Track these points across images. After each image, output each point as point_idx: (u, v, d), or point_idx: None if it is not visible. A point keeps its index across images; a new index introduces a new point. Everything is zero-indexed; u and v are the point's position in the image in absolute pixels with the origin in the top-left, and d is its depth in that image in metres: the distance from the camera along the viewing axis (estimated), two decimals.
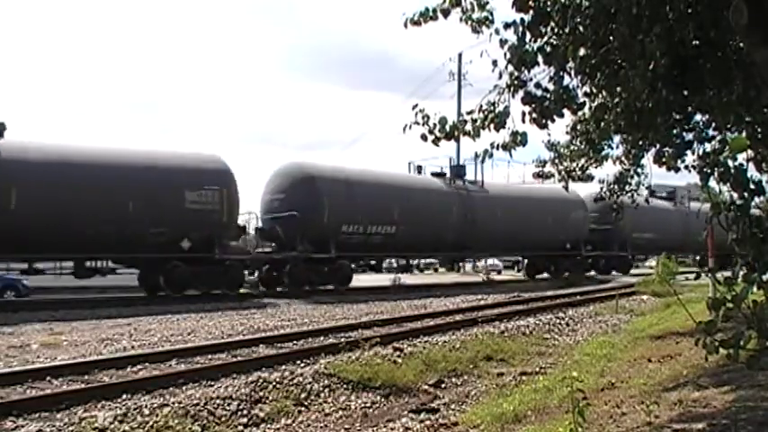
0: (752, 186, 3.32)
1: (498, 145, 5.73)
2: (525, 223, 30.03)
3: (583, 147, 8.82)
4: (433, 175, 28.77)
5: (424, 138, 5.65)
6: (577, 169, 10.64)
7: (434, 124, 5.57)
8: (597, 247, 34.56)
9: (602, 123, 6.42)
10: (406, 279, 31.76)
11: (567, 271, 32.83)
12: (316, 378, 8.81)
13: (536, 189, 32.74)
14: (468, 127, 5.56)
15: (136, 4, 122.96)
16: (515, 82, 5.56)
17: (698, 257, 39.90)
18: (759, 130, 5.42)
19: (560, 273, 32.82)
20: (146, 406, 7.13)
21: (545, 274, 34.15)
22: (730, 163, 3.39)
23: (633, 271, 38.10)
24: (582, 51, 5.23)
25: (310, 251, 22.78)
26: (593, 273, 34.99)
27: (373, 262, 30.53)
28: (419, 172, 28.90)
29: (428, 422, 7.47)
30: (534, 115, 5.65)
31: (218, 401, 7.56)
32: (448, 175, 28.73)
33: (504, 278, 37.01)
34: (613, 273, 36.14)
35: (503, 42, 5.49)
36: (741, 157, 3.85)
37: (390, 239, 25.41)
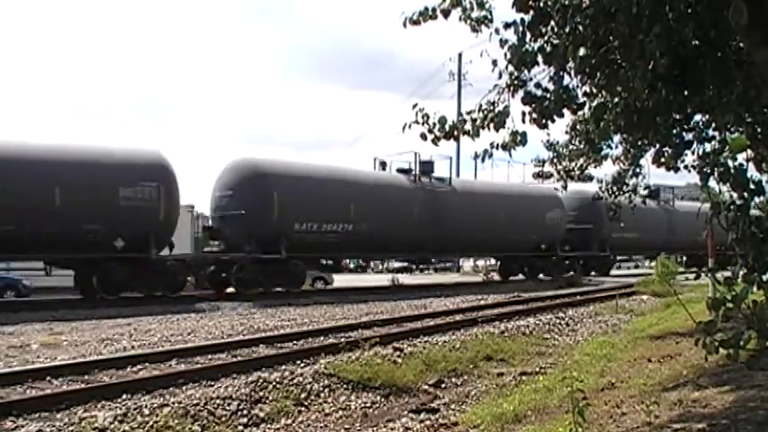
0: (752, 186, 3.32)
1: (498, 145, 5.74)
2: (497, 223, 28.32)
3: (582, 147, 8.82)
4: (399, 171, 27.04)
5: (423, 137, 5.66)
6: (576, 169, 10.64)
7: (434, 124, 5.58)
8: (576, 247, 32.81)
9: (602, 123, 6.42)
10: (404, 279, 31.85)
11: (542, 272, 31.22)
12: (316, 378, 8.80)
13: (509, 187, 32.95)
14: (468, 126, 5.56)
15: (136, 4, 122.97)
16: (515, 82, 5.57)
17: (684, 258, 39.17)
18: (759, 130, 5.42)
19: (535, 274, 31.06)
20: (146, 406, 7.13)
21: (520, 276, 31.91)
22: (730, 163, 3.39)
23: (615, 272, 37.49)
24: (582, 51, 5.23)
25: (259, 251, 21.29)
26: (571, 273, 32.62)
27: (330, 262, 28.10)
28: (383, 168, 27.18)
29: (428, 422, 7.47)
30: (534, 115, 5.66)
31: (218, 401, 7.56)
32: (415, 171, 26.75)
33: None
34: (593, 274, 34.45)
35: (503, 42, 5.50)
36: (741, 157, 3.86)
37: (347, 238, 23.61)
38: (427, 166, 27.35)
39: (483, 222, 27.82)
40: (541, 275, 31.01)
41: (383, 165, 27.24)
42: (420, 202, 26.01)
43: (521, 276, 31.69)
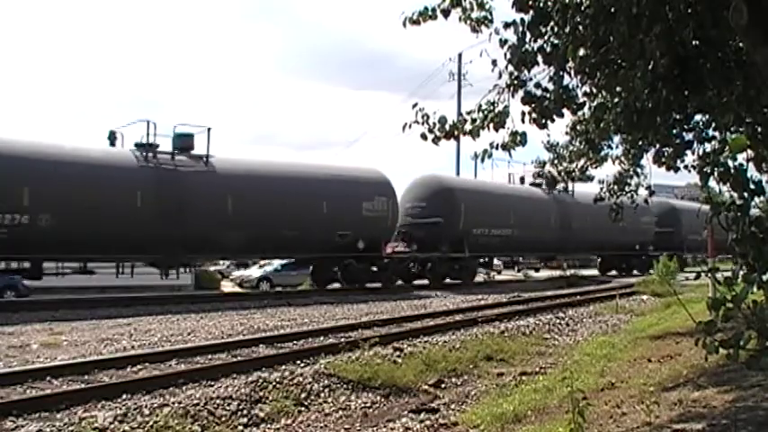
0: (752, 186, 3.32)
1: (498, 145, 5.74)
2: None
3: (582, 147, 8.82)
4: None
5: (423, 137, 5.66)
6: (576, 170, 10.64)
7: (434, 123, 5.58)
8: (426, 248, 26.24)
9: (602, 123, 6.42)
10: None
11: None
12: (316, 378, 8.80)
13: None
14: (468, 126, 5.57)
15: (136, 4, 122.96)
16: (515, 82, 5.57)
17: (577, 262, 37.53)
18: (759, 130, 5.42)
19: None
20: (146, 406, 7.13)
21: None
22: (730, 163, 3.39)
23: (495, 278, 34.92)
24: (582, 51, 5.23)
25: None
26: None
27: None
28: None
29: (428, 422, 7.47)
30: (534, 115, 5.66)
31: (218, 401, 7.56)
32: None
33: (503, 278, 37.00)
34: (447, 281, 27.12)
35: (503, 42, 5.50)
36: (741, 157, 3.86)
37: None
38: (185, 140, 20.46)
39: (251, 214, 20.88)
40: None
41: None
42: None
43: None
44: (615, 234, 30.79)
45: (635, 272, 35.21)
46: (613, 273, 37.02)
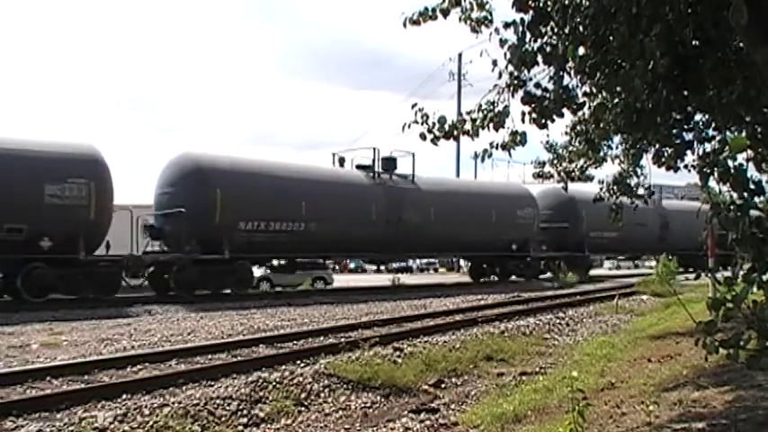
0: (752, 186, 3.32)
1: (498, 144, 5.74)
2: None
3: (582, 147, 8.82)
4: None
5: (423, 137, 5.66)
6: (576, 170, 10.64)
7: (433, 123, 5.58)
8: (172, 245, 21.66)
9: (602, 123, 6.42)
10: (405, 279, 31.81)
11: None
12: (316, 378, 8.80)
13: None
14: (468, 126, 5.56)
15: (136, 4, 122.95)
16: (515, 82, 5.57)
17: (469, 263, 34.80)
18: (759, 130, 5.41)
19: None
20: (146, 406, 7.13)
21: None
22: (730, 163, 3.39)
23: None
24: (582, 51, 5.22)
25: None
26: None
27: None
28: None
29: (428, 422, 7.47)
30: (534, 115, 5.66)
31: (218, 401, 7.56)
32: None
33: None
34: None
35: (502, 42, 5.49)
36: (741, 157, 3.85)
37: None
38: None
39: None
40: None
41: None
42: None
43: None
44: (477, 231, 28.10)
45: (514, 278, 30.27)
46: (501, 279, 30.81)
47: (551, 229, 32.28)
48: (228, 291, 21.16)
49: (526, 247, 30.37)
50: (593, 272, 37.34)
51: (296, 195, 22.35)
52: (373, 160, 25.95)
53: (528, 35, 5.32)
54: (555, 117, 5.71)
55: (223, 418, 7.26)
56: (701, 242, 35.11)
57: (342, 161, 26.36)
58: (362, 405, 8.25)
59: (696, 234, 32.64)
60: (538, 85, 5.65)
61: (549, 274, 31.28)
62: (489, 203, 29.10)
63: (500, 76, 5.58)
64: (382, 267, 47.49)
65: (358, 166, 26.08)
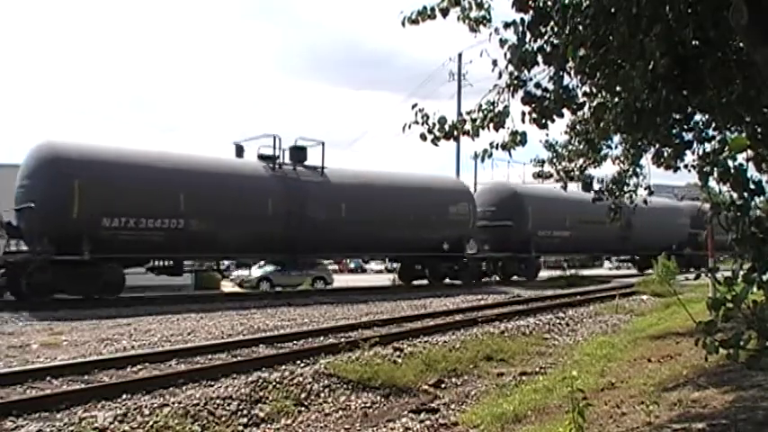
0: (752, 186, 3.32)
1: (498, 144, 5.74)
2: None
3: (582, 147, 8.81)
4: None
5: (423, 137, 5.65)
6: (576, 169, 10.63)
7: (434, 124, 5.58)
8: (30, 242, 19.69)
9: (602, 123, 6.41)
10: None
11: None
12: (316, 378, 8.80)
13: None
14: (468, 126, 5.56)
15: (136, 4, 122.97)
16: (515, 82, 5.56)
17: (399, 264, 30.28)
18: (759, 130, 5.41)
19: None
20: (146, 406, 7.13)
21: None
22: (730, 163, 3.39)
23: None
24: (582, 51, 5.22)
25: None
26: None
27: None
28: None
29: (428, 422, 7.47)
30: (534, 115, 5.66)
31: (218, 401, 7.56)
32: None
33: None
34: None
35: (502, 42, 5.49)
36: (741, 157, 3.85)
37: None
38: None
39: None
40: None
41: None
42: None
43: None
44: (400, 229, 24.92)
45: (448, 280, 27.21)
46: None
47: (493, 227, 29.62)
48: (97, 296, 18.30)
49: (460, 246, 27.07)
50: (593, 272, 37.29)
51: (173, 187, 19.61)
52: (274, 149, 22.89)
53: (528, 35, 5.32)
54: (555, 117, 5.71)
55: (223, 418, 7.26)
56: (678, 242, 33.37)
57: (240, 150, 23.24)
58: (362, 405, 8.26)
59: (665, 233, 32.17)
60: (538, 85, 5.64)
61: (495, 278, 29.77)
62: (414, 198, 25.97)
63: (500, 76, 5.58)
64: (381, 267, 47.34)
65: (260, 156, 22.91)
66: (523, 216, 29.90)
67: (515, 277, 30.47)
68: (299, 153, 23.60)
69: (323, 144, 23.86)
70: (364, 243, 25.30)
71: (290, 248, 22.95)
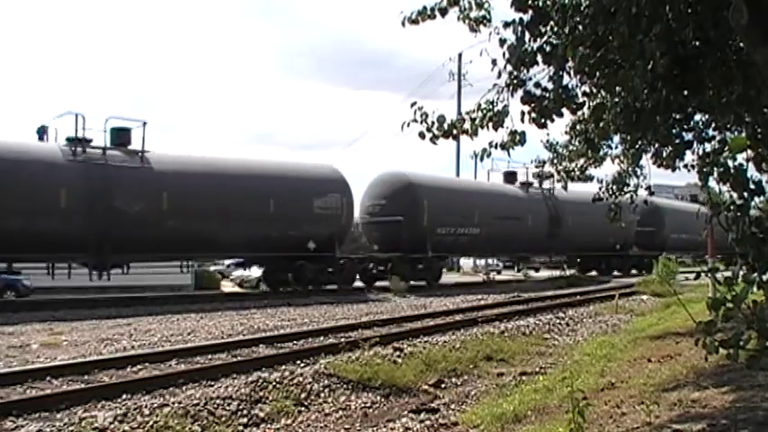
0: (752, 186, 3.32)
1: (497, 144, 5.73)
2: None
3: (581, 147, 8.80)
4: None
5: (422, 136, 5.64)
6: (576, 169, 10.62)
7: (432, 122, 5.56)
8: None
9: (602, 123, 6.41)
10: None
11: None
12: (316, 378, 8.80)
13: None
14: (467, 125, 5.55)
15: (136, 4, 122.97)
16: (514, 81, 5.56)
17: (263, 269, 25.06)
18: (759, 130, 5.41)
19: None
20: (146, 406, 7.12)
21: None
22: (730, 163, 3.39)
23: None
24: (581, 51, 5.22)
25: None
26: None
27: None
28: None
29: (428, 422, 7.47)
30: (533, 115, 5.65)
31: (218, 401, 7.56)
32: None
33: (503, 278, 37.00)
34: None
35: (502, 41, 5.49)
36: (741, 157, 3.85)
37: None
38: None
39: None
40: None
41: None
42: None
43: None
44: (245, 225, 21.16)
45: (311, 287, 23.13)
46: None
47: (380, 223, 25.81)
48: None
49: (330, 246, 23.11)
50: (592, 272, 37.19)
51: None
52: (75, 130, 19.37)
53: (527, 35, 5.32)
54: (554, 117, 5.70)
55: (223, 418, 7.26)
56: (623, 242, 31.38)
57: (42, 132, 19.87)
58: (362, 405, 8.25)
59: (606, 231, 25.99)
60: (537, 85, 5.64)
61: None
62: (267, 189, 22.02)
63: (499, 75, 5.58)
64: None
65: (67, 140, 19.40)
66: (419, 210, 25.52)
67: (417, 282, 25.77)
68: (121, 135, 20.15)
69: (144, 124, 20.36)
70: (197, 241, 20.81)
71: (93, 248, 18.83)
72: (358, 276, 25.57)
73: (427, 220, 25.77)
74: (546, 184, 30.37)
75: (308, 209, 22.75)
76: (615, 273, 36.46)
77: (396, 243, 25.39)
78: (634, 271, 36.41)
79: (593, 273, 36.44)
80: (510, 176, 32.31)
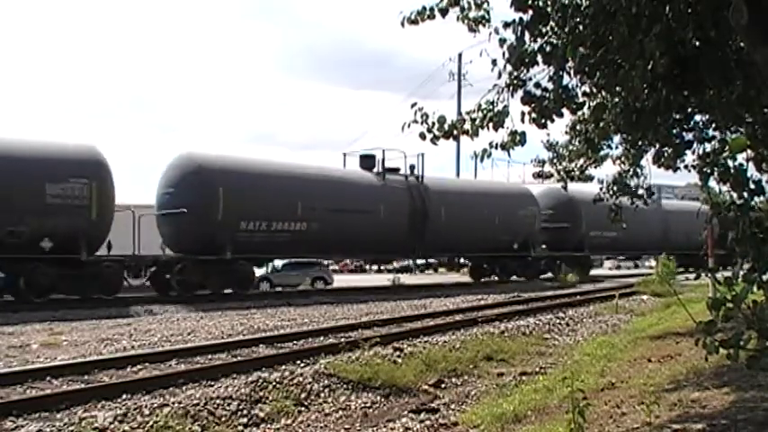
0: (752, 186, 3.32)
1: (497, 144, 5.73)
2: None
3: (582, 147, 8.81)
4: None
5: (422, 136, 5.65)
6: (576, 169, 10.63)
7: (433, 123, 5.57)
8: None
9: (602, 123, 6.42)
10: (404, 279, 31.35)
11: None
12: (316, 378, 8.80)
13: None
14: (467, 126, 5.55)
15: (136, 4, 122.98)
16: (514, 81, 5.56)
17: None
18: (759, 130, 5.41)
19: None
20: (146, 406, 7.12)
21: None
22: (730, 163, 3.39)
23: None
24: (581, 51, 5.22)
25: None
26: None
27: None
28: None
29: (428, 422, 7.46)
30: (533, 115, 5.65)
31: (218, 401, 7.55)
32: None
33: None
34: None
35: (502, 42, 5.49)
36: (741, 157, 3.86)
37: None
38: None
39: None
40: None
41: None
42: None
43: None
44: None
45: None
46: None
47: (167, 216, 20.88)
48: None
49: (75, 246, 18.21)
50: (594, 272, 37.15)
51: None
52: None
53: (527, 35, 5.32)
54: (554, 117, 5.70)
55: (223, 418, 7.25)
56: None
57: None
58: (362, 405, 8.25)
59: (496, 228, 27.18)
60: (537, 85, 5.64)
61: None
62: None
63: (499, 75, 5.58)
64: (383, 267, 47.10)
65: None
66: (211, 201, 20.32)
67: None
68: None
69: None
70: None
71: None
72: (149, 283, 20.97)
73: (223, 213, 20.25)
74: (417, 171, 25.86)
75: (38, 197, 17.69)
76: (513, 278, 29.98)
77: (186, 241, 20.76)
78: (551, 273, 31.26)
79: (494, 278, 30.22)
80: (367, 160, 25.64)
